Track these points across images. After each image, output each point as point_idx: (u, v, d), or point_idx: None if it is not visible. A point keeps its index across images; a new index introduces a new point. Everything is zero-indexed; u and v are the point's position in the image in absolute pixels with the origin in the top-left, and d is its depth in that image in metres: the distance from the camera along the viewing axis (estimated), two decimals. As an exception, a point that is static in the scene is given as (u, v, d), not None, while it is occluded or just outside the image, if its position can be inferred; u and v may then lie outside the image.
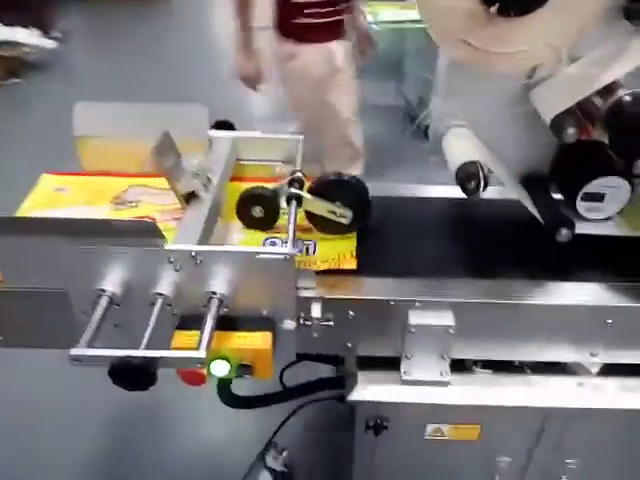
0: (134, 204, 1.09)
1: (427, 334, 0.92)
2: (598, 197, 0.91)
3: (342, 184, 1.00)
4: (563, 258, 0.97)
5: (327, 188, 0.99)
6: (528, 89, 0.90)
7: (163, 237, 0.84)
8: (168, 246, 0.84)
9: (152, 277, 0.85)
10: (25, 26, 4.38)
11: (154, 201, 1.10)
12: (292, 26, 1.92)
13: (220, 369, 0.86)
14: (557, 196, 1.00)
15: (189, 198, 0.99)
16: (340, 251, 0.99)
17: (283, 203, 1.01)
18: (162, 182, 1.15)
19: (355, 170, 2.03)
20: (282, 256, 0.84)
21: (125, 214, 1.06)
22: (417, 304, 0.92)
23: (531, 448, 1.09)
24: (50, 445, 1.68)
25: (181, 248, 0.84)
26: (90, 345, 0.77)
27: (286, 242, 0.98)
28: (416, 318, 0.91)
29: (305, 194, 0.97)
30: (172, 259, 0.84)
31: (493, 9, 0.70)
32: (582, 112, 0.83)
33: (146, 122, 1.11)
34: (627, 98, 0.76)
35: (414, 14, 3.16)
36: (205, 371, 0.84)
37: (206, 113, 1.13)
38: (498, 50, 0.75)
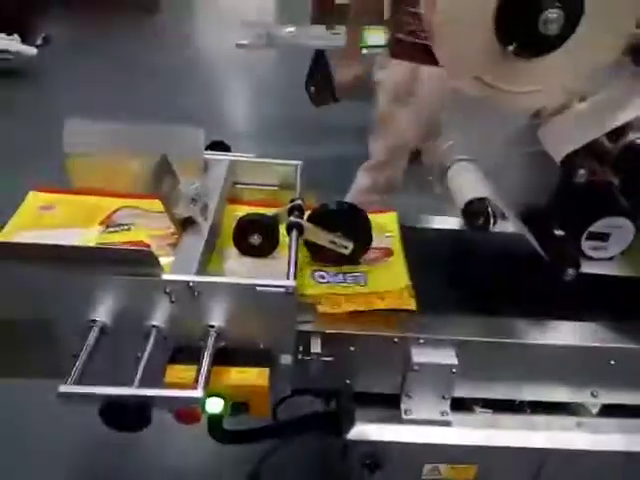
0: (126, 227, 1.04)
1: (430, 373, 0.90)
2: (603, 237, 0.90)
3: (343, 213, 0.97)
4: (566, 296, 0.95)
5: (328, 217, 0.97)
6: (532, 128, 0.90)
7: (160, 266, 0.80)
8: (165, 276, 0.80)
9: (146, 308, 0.81)
10: (5, 32, 4.29)
11: (147, 225, 1.06)
12: (393, 39, 1.89)
13: (214, 406, 0.82)
14: (557, 232, 0.99)
15: (185, 224, 0.96)
16: (393, 284, 0.97)
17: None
18: (155, 205, 1.11)
19: (379, 197, 1.91)
20: (282, 289, 0.81)
21: (117, 237, 1.01)
22: (421, 341, 0.89)
23: (527, 488, 1.07)
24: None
25: (178, 278, 0.80)
26: (79, 381, 0.73)
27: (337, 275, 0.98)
28: (419, 356, 0.89)
29: (306, 223, 0.95)
30: (168, 290, 0.80)
31: (510, 48, 0.69)
32: (590, 152, 0.82)
33: (140, 142, 1.07)
34: (639, 141, 0.76)
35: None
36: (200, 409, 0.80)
37: (202, 135, 1.10)
38: (512, 89, 0.74)
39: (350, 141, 3.65)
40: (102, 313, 0.80)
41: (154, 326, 0.81)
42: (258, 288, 0.80)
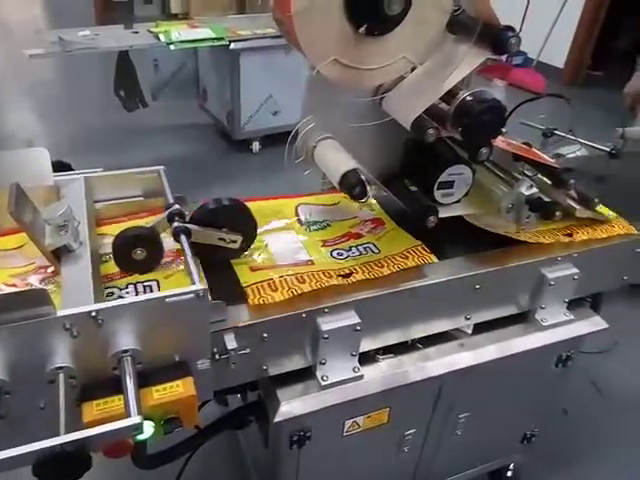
0: (-21, 274, 0.92)
1: (339, 337, 0.97)
2: (449, 184, 1.05)
3: (224, 209, 0.98)
4: (431, 241, 1.10)
5: (211, 216, 0.97)
6: (373, 104, 1.01)
7: (51, 303, 0.73)
8: (61, 312, 0.73)
9: (47, 351, 0.74)
10: None
11: (4, 265, 0.95)
12: None
13: (145, 431, 0.78)
14: (413, 188, 1.12)
15: (59, 255, 0.88)
16: (406, 244, 1.07)
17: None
18: (4, 242, 1.00)
19: None
20: (192, 295, 0.80)
21: (-27, 287, 0.89)
22: (325, 310, 0.95)
23: (431, 414, 1.22)
24: None
25: (78, 311, 0.74)
26: (-8, 450, 0.65)
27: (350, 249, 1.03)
28: (327, 324, 0.95)
29: (192, 226, 0.94)
30: (68, 325, 0.74)
31: (362, 30, 0.77)
32: (432, 115, 0.95)
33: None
34: (469, 98, 0.90)
35: (204, 32, 3.18)
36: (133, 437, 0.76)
37: (48, 156, 1.01)
38: (366, 67, 0.83)
39: (170, 141, 3.57)
40: (-5, 370, 0.71)
41: (60, 368, 0.75)
42: (168, 300, 0.78)
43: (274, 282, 0.97)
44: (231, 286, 0.96)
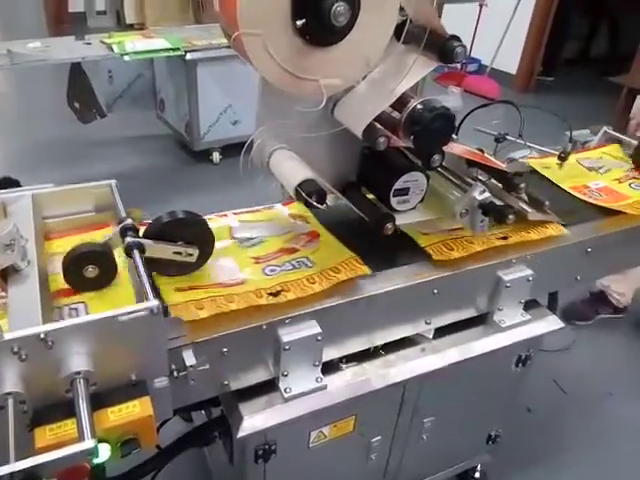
0: None
1: (300, 347, 0.96)
2: (405, 191, 1.07)
3: (180, 222, 0.96)
4: (387, 248, 1.10)
5: (166, 230, 0.95)
6: (325, 113, 1.01)
7: (-2, 325, 0.70)
8: (8, 335, 0.71)
9: (-6, 377, 0.71)
10: None
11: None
12: None
13: (101, 454, 0.76)
14: (370, 196, 1.13)
15: (5, 275, 0.84)
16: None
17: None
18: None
19: None
20: (147, 312, 0.78)
21: None
22: (286, 321, 0.95)
23: (396, 420, 1.22)
24: None
25: (26, 333, 0.71)
26: None
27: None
28: (288, 336, 0.95)
29: (146, 241, 0.92)
30: (16, 348, 0.71)
31: (309, 40, 0.78)
32: (383, 123, 0.96)
33: None
34: (419, 106, 0.92)
35: (159, 42, 3.15)
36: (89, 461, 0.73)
37: (-8, 174, 0.98)
38: (316, 77, 0.83)
39: (127, 154, 3.51)
40: (-63, 401, 0.68)
41: (9, 394, 0.72)
42: (120, 318, 0.76)
43: (448, 244, 1.11)
44: (412, 247, 1.11)
